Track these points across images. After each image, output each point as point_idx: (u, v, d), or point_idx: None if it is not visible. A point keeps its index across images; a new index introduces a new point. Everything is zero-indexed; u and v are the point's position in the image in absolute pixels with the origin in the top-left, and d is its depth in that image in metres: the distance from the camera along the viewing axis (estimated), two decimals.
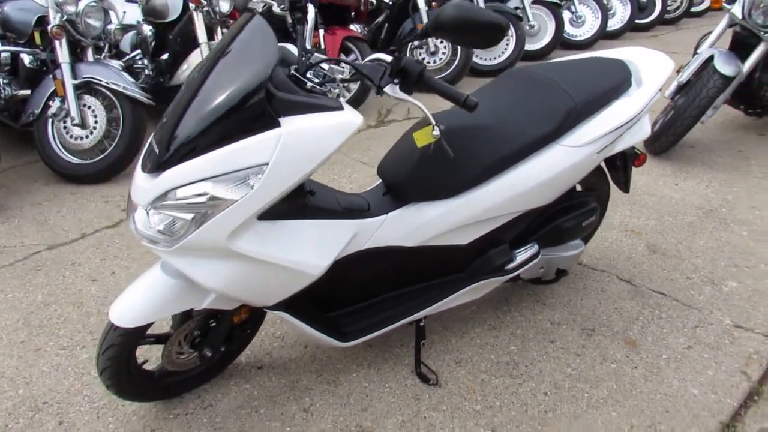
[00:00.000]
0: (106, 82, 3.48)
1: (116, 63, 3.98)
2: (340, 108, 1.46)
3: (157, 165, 1.44)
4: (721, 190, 3.39)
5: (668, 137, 3.69)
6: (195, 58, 4.18)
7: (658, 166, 3.73)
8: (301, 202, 1.60)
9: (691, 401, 1.92)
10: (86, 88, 3.53)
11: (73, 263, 2.74)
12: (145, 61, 4.50)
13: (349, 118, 1.45)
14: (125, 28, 4.27)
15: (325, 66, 1.58)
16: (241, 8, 4.16)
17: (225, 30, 4.44)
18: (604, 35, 7.31)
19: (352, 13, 5.04)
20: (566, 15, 7.04)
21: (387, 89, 1.49)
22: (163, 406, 1.93)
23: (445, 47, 5.55)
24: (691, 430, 1.82)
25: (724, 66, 3.53)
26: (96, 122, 3.55)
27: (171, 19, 4.38)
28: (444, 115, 1.92)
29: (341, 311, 1.91)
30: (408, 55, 5.40)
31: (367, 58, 1.59)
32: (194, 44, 4.14)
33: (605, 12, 7.16)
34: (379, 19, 5.81)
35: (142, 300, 1.62)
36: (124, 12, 4.60)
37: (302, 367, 2.10)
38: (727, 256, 2.73)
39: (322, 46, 4.62)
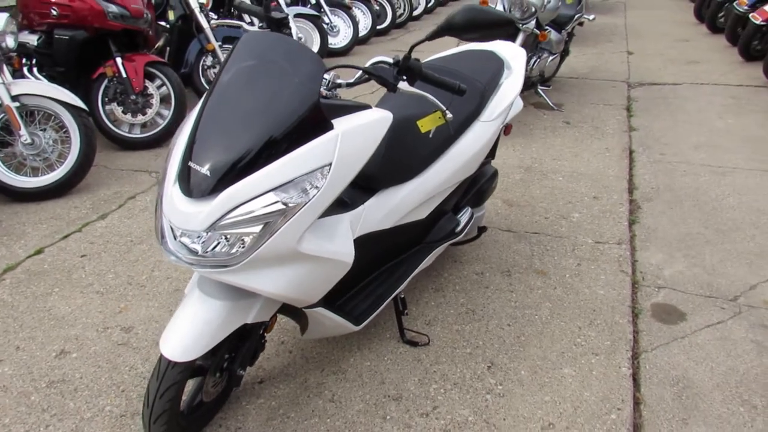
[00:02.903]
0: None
1: None
2: (369, 107, 1.64)
3: (211, 187, 1.45)
4: (526, 152, 4.20)
5: None
6: None
7: None
8: None
9: (604, 299, 2.52)
10: None
11: None
12: None
13: (383, 114, 1.64)
14: None
15: (326, 75, 1.72)
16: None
17: (10, 67, 3.95)
18: (357, 41, 8.08)
19: (144, 40, 4.82)
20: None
21: (400, 86, 1.71)
22: None
23: None
24: (616, 317, 2.40)
25: None
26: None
27: None
28: (388, 107, 2.19)
29: (342, 299, 2.06)
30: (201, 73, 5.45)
31: (370, 62, 1.78)
32: None
33: (356, 22, 7.92)
34: (159, 43, 5.60)
35: (192, 330, 1.58)
36: None
37: (301, 368, 2.17)
38: (560, 197, 3.47)
39: (123, 75, 4.38)
